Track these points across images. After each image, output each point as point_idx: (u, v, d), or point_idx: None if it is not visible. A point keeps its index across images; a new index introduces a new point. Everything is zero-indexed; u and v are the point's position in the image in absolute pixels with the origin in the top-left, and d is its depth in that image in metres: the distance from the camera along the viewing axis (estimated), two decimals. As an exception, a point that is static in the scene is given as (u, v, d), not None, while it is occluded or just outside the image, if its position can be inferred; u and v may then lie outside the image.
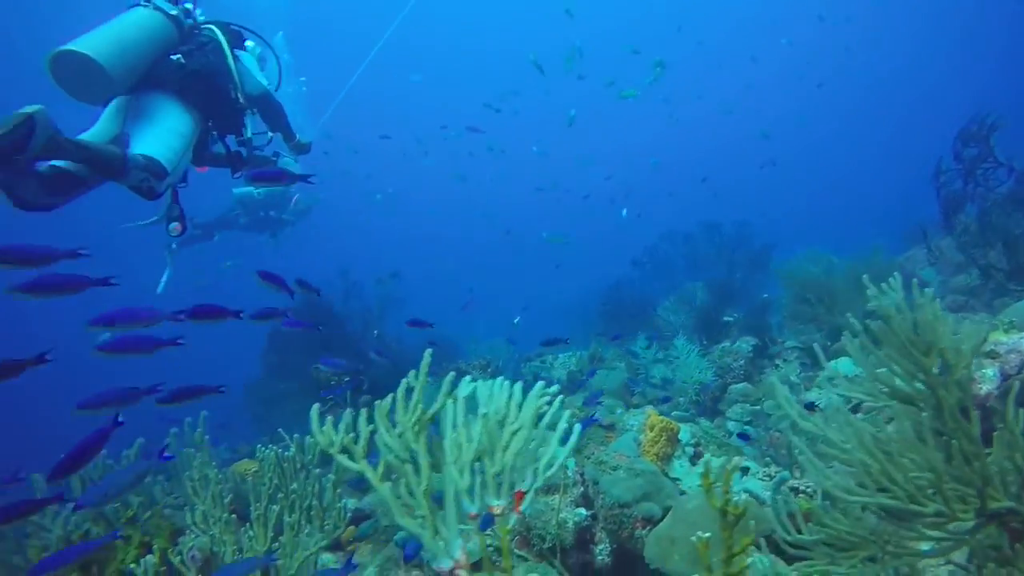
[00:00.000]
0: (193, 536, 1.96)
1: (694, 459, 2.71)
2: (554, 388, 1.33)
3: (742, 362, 4.12)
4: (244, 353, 6.57)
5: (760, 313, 4.34)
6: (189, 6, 2.58)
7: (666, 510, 2.23)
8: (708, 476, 1.03)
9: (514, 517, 1.22)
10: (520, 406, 1.29)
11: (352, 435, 1.26)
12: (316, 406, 1.28)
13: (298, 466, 1.85)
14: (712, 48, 17.09)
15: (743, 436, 2.52)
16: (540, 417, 1.29)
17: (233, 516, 1.75)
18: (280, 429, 2.39)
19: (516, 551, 2.31)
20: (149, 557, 1.69)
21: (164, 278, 2.69)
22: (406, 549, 2.38)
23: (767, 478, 2.40)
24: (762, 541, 1.61)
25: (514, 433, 1.26)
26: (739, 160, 23.44)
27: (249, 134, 2.76)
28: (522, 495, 1.25)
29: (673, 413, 3.72)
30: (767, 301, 4.43)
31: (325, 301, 5.09)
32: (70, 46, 1.97)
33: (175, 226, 2.39)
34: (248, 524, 1.79)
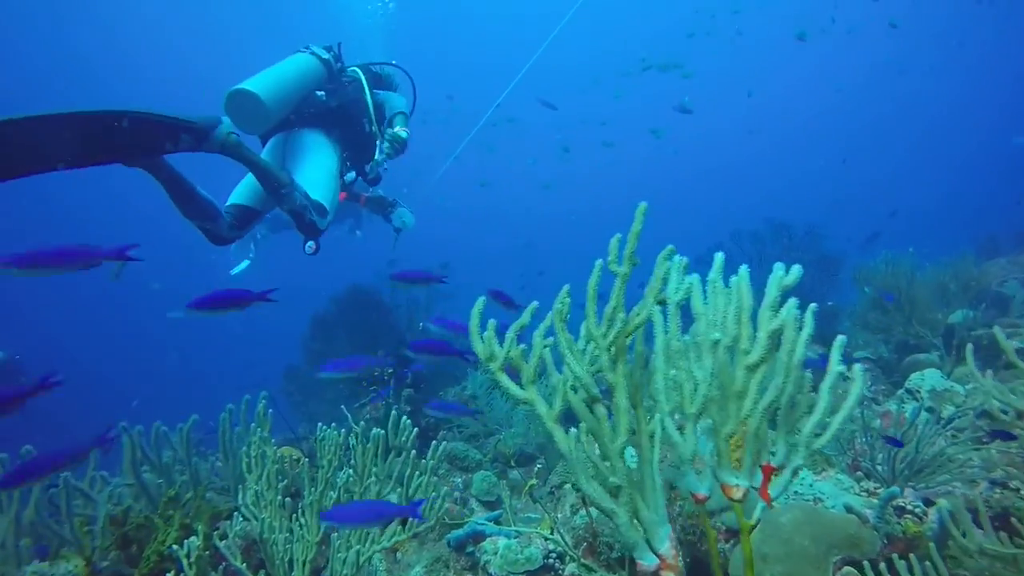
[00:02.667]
0: (240, 520, 1.79)
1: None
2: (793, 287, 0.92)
3: (809, 371, 3.82)
4: (284, 339, 6.48)
5: (829, 320, 4.04)
6: (336, 52, 2.92)
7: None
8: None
9: (760, 506, 0.94)
10: (755, 322, 0.94)
11: (521, 347, 1.01)
12: (480, 301, 1.06)
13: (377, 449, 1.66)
14: (776, 44, 16.65)
15: (892, 440, 2.21)
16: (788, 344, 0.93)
17: (288, 500, 1.57)
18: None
19: (582, 560, 2.09)
20: (193, 539, 1.52)
21: (243, 265, 2.64)
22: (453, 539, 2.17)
23: (864, 493, 2.12)
24: (866, 565, 1.39)
25: (751, 369, 0.92)
26: (810, 159, 23.02)
27: (379, 158, 2.94)
28: (772, 472, 0.92)
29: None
30: (835, 308, 4.13)
31: (374, 291, 4.95)
32: (242, 85, 2.35)
33: (312, 245, 2.51)
34: (299, 511, 1.61)
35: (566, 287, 1.03)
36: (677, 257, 1.00)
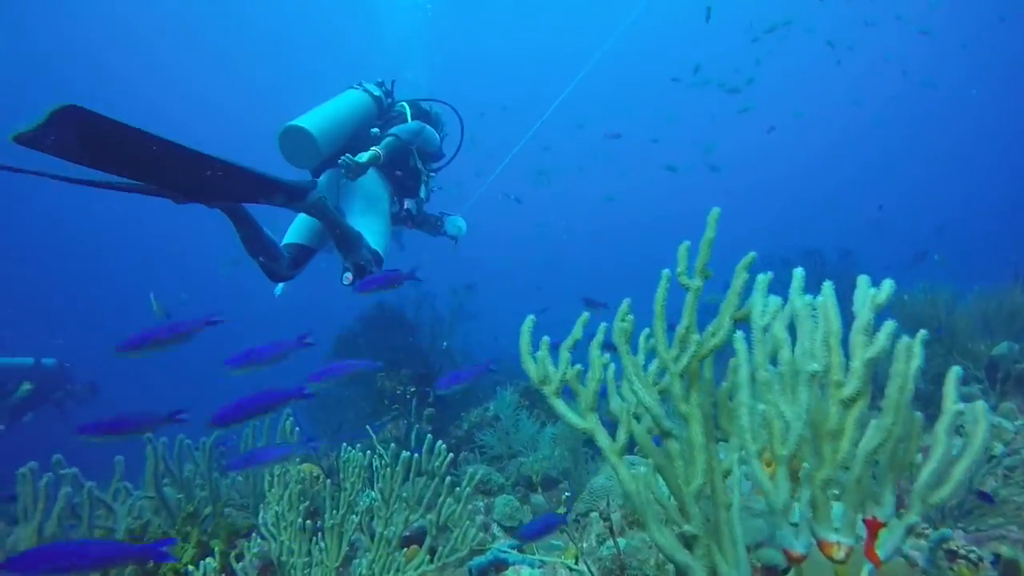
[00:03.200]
0: (258, 540, 1.74)
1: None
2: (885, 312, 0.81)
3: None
4: (309, 356, 6.43)
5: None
6: (388, 88, 3.02)
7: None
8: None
9: (867, 568, 0.81)
10: (845, 350, 0.82)
11: (577, 367, 0.92)
12: (530, 319, 0.99)
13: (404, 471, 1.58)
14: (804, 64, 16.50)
15: (985, 496, 2.01)
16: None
17: (308, 523, 1.51)
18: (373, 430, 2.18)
19: (609, 594, 2.00)
20: (209, 560, 1.47)
21: (280, 286, 2.65)
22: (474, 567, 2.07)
23: (914, 535, 2.00)
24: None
25: (847, 404, 0.80)
26: (840, 179, 22.65)
27: (423, 195, 3.07)
28: (878, 528, 0.80)
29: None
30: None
31: (398, 307, 4.92)
32: (296, 122, 2.44)
33: (348, 276, 2.53)
34: (319, 534, 1.55)
35: (626, 301, 0.94)
36: (762, 275, 0.91)
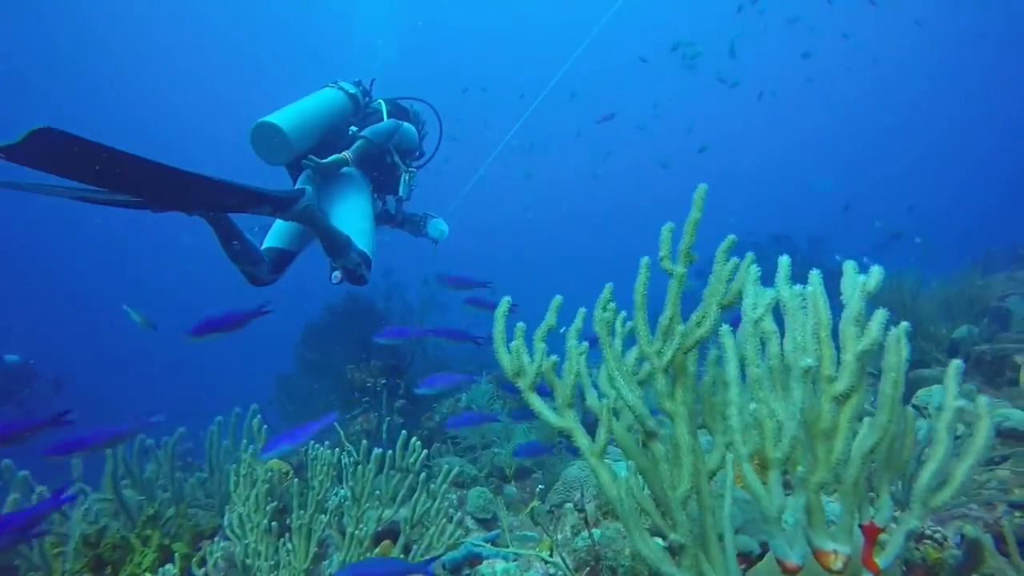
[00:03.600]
0: (221, 542, 1.66)
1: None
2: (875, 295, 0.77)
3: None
4: (276, 347, 6.35)
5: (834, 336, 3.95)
6: (366, 87, 3.01)
7: (764, 546, 1.88)
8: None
9: None
10: (834, 339, 0.76)
11: (552, 359, 0.85)
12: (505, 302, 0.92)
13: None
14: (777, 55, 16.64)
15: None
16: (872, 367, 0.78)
17: (274, 524, 1.44)
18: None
19: (584, 585, 1.98)
20: (169, 567, 1.40)
21: None
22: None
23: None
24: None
25: (840, 400, 0.75)
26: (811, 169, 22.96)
27: (403, 193, 3.03)
28: (877, 533, 0.76)
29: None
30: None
31: (367, 298, 4.83)
32: (267, 118, 2.41)
33: (337, 275, 2.54)
34: (287, 535, 1.48)
35: (608, 287, 0.88)
36: (754, 267, 0.85)
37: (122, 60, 18.42)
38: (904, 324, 0.77)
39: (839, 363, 0.77)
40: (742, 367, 0.82)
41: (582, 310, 0.89)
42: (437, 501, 1.50)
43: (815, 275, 0.80)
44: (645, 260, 0.84)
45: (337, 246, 2.35)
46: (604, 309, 0.86)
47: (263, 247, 2.49)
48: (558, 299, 0.91)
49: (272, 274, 2.43)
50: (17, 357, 6.09)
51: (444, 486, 1.54)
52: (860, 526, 0.78)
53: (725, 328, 0.83)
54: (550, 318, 0.89)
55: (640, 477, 0.87)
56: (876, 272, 0.76)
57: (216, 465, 2.28)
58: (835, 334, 0.78)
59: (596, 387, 0.89)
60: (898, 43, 17.78)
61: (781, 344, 0.80)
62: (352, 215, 2.60)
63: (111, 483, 2.14)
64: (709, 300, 0.86)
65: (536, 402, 0.86)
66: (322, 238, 2.32)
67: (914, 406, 2.96)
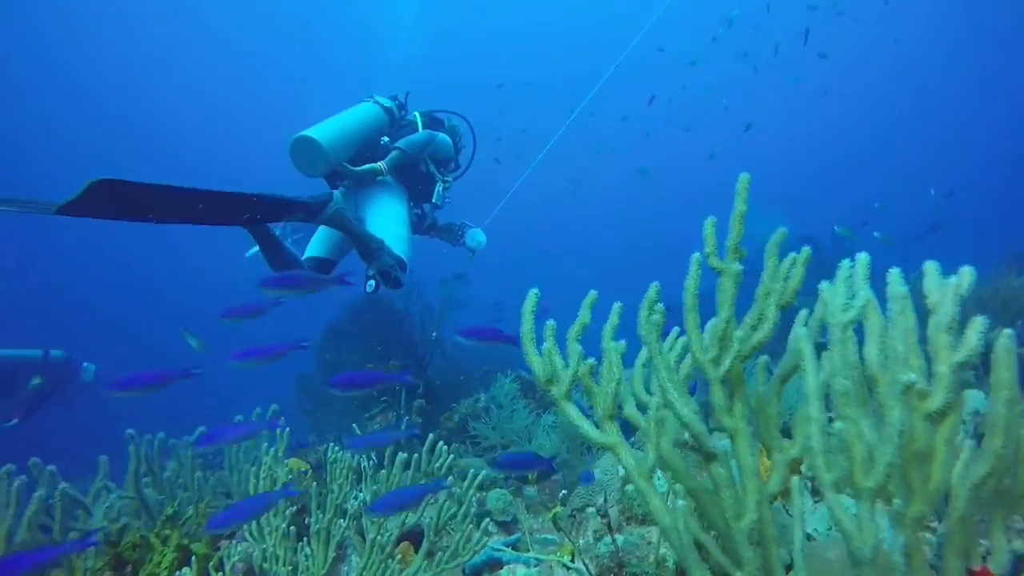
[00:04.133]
0: (237, 546, 1.64)
1: (816, 493, 2.25)
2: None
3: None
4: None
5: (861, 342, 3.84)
6: (401, 100, 3.12)
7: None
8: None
9: None
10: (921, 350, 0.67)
11: (590, 362, 0.77)
12: (532, 295, 0.83)
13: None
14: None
15: None
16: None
17: (292, 529, 1.41)
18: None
19: (608, 593, 1.92)
20: (186, 570, 1.37)
21: (255, 250, 2.61)
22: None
23: (922, 528, 1.93)
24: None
25: (935, 419, 0.67)
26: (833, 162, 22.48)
27: (436, 200, 3.08)
28: None
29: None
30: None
31: (387, 298, 4.80)
32: (306, 132, 2.48)
33: (372, 284, 2.58)
34: (305, 539, 1.45)
35: (655, 286, 0.81)
36: (845, 261, 0.77)
37: (134, 66, 18.84)
38: (1008, 331, 0.68)
39: (933, 376, 0.68)
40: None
41: (618, 305, 0.82)
42: (464, 507, 1.44)
43: (895, 274, 0.71)
44: (696, 257, 0.77)
45: (370, 249, 2.43)
46: (651, 311, 0.78)
47: (304, 256, 2.61)
48: (592, 294, 0.84)
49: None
50: (62, 352, 6.04)
51: (471, 491, 1.49)
52: (970, 572, 0.69)
53: (803, 331, 0.76)
54: (584, 315, 0.82)
55: (690, 503, 0.77)
56: (967, 273, 0.69)
57: (236, 465, 2.27)
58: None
59: (634, 395, 0.82)
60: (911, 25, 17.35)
61: (865, 353, 0.72)
62: (387, 221, 2.67)
63: (133, 481, 2.13)
64: (766, 301, 0.78)
65: (573, 413, 0.78)
66: (355, 240, 2.42)
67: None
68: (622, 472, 2.22)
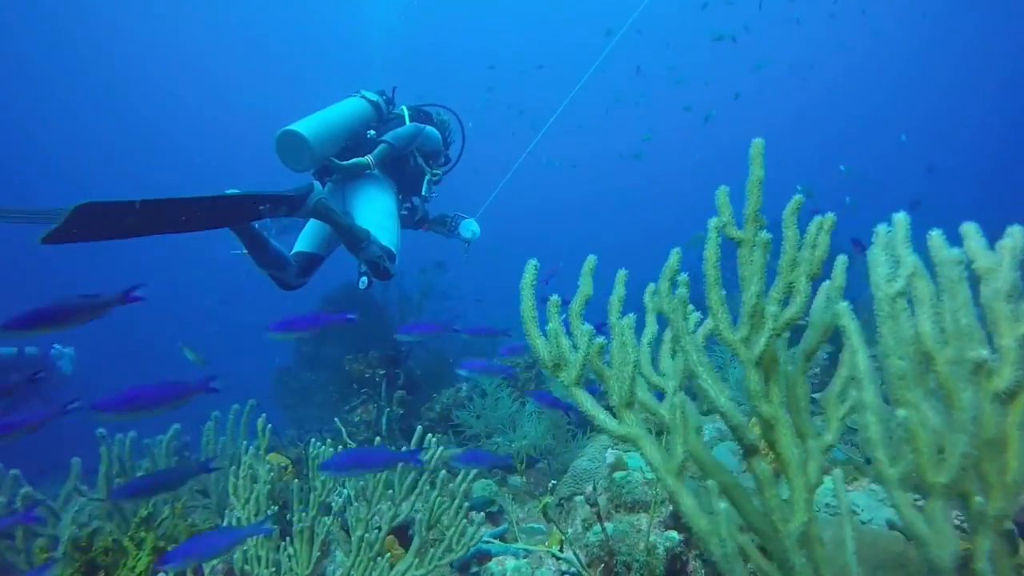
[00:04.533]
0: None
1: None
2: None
3: (817, 369, 3.68)
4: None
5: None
6: (388, 95, 3.13)
7: None
8: None
9: None
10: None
11: (599, 341, 0.68)
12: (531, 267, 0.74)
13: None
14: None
15: None
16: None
17: (275, 529, 1.34)
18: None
19: (599, 581, 1.89)
20: (162, 574, 1.30)
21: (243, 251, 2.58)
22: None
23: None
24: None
25: (1005, 399, 0.59)
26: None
27: (424, 192, 3.09)
28: None
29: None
30: (858, 304, 3.93)
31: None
32: (291, 127, 2.50)
33: (364, 282, 2.63)
34: (288, 539, 1.39)
35: (676, 253, 0.73)
36: (884, 227, 0.69)
37: (138, 60, 18.61)
38: None
39: (998, 351, 0.61)
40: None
41: (622, 272, 0.75)
42: (458, 500, 1.39)
43: (937, 236, 0.63)
44: (714, 222, 0.71)
45: (356, 239, 2.42)
46: (672, 281, 0.71)
47: (292, 252, 2.60)
48: (592, 260, 0.76)
49: (299, 278, 2.55)
50: (35, 348, 5.97)
51: (464, 485, 1.43)
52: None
53: (844, 306, 0.70)
54: (585, 285, 0.74)
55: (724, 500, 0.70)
56: (1018, 232, 0.62)
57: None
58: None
59: (642, 375, 0.74)
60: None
61: (918, 326, 0.66)
62: (374, 212, 2.67)
63: (105, 483, 2.04)
64: (794, 272, 0.71)
65: (586, 402, 0.69)
66: (340, 232, 2.41)
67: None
68: (610, 460, 2.19)
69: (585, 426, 3.26)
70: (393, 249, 2.61)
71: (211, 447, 2.21)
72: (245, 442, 1.62)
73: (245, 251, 2.33)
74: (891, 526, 1.74)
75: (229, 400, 2.41)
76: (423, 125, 3.03)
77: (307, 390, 4.88)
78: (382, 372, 4.26)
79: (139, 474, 2.11)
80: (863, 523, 1.79)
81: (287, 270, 2.42)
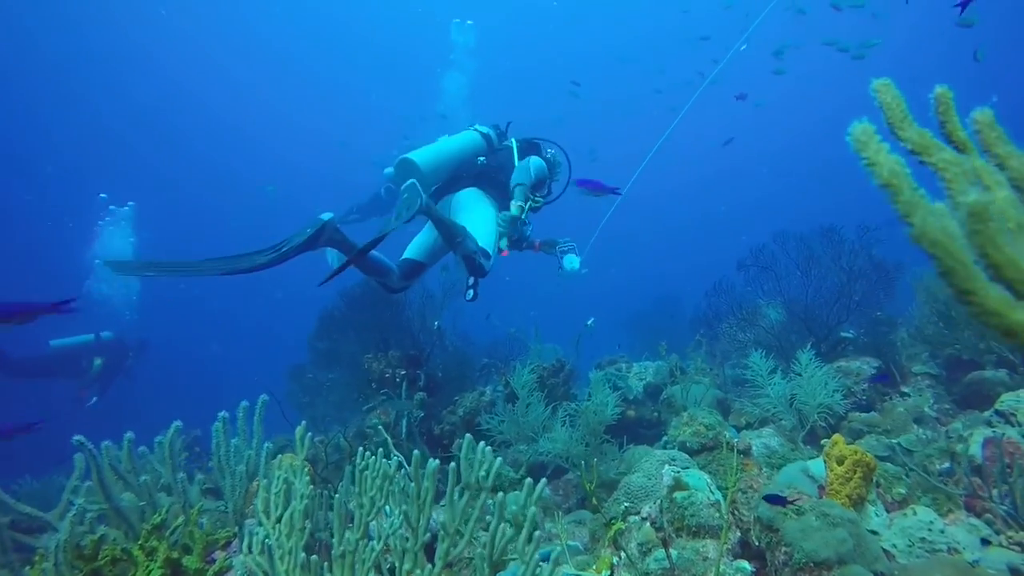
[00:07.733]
0: (238, 556, 1.34)
1: (890, 506, 1.99)
2: None
3: (864, 386, 3.43)
4: (290, 335, 6.11)
5: (884, 330, 3.62)
6: (502, 129, 3.51)
7: (877, 578, 1.55)
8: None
9: None
10: None
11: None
12: None
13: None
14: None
15: None
16: None
17: (314, 559, 1.11)
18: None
19: (663, 615, 1.65)
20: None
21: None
22: None
23: (1017, 547, 1.69)
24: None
25: None
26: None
27: (515, 212, 3.11)
28: None
29: (774, 440, 3.03)
30: (891, 319, 3.71)
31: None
32: (408, 155, 2.97)
33: (471, 294, 2.96)
34: (325, 565, 1.16)
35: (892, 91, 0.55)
36: None
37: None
38: None
39: None
40: None
41: None
42: (525, 529, 1.12)
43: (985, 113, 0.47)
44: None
45: (452, 234, 2.66)
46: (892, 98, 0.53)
47: (401, 258, 2.89)
48: None
49: (402, 281, 2.85)
50: (110, 332, 6.37)
51: (533, 509, 1.16)
52: None
53: None
54: None
55: None
56: None
57: (225, 465, 1.95)
58: None
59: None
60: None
61: None
62: (476, 222, 2.93)
63: (101, 489, 1.81)
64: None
65: None
66: (440, 228, 2.66)
67: (998, 412, 2.65)
68: (667, 480, 1.96)
69: (623, 434, 3.03)
70: (489, 250, 2.85)
71: (222, 450, 1.98)
72: (269, 445, 1.40)
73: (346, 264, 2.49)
74: (1012, 570, 1.50)
75: (240, 397, 2.19)
76: (531, 157, 3.30)
77: (323, 388, 4.66)
78: (403, 372, 4.05)
79: (141, 477, 1.88)
80: (971, 565, 1.54)
81: (389, 275, 2.70)
